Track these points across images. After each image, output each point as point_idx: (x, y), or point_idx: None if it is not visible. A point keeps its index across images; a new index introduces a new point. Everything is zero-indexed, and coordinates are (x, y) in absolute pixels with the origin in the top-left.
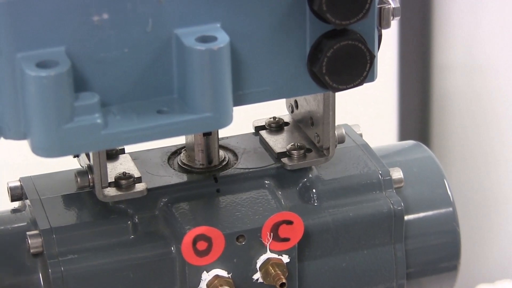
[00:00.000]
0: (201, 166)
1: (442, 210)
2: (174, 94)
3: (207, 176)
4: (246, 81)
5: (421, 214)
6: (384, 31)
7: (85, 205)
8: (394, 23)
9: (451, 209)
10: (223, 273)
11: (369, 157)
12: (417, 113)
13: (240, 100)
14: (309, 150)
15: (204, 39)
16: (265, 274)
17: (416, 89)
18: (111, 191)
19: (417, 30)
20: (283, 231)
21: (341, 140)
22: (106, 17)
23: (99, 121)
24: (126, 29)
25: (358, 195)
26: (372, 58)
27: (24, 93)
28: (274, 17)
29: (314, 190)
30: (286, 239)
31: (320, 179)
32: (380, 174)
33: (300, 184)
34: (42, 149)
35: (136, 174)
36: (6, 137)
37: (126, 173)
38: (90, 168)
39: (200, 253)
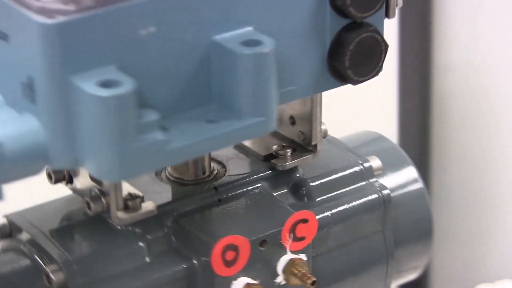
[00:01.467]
0: (195, 178)
1: (412, 188)
2: (213, 103)
3: (207, 187)
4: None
5: (395, 194)
6: (384, 31)
7: (94, 232)
8: (394, 23)
9: (421, 185)
10: (252, 281)
11: (343, 150)
12: (417, 113)
13: None
14: (294, 149)
15: (250, 43)
16: (290, 276)
17: (416, 89)
18: (122, 214)
19: (417, 30)
20: (300, 230)
21: (325, 135)
22: (152, 30)
23: (163, 137)
24: (170, 40)
25: (346, 187)
26: (386, 47)
27: (84, 117)
28: (299, 17)
29: (304, 188)
30: (302, 238)
31: (308, 177)
32: (361, 164)
33: (291, 184)
34: (111, 172)
35: (138, 193)
36: (54, 166)
37: (132, 193)
38: (101, 192)
39: (229, 263)
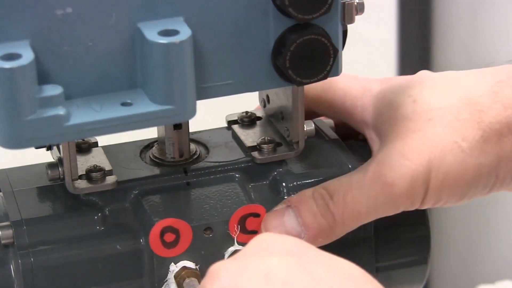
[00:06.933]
0: (172, 160)
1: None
2: (138, 88)
3: (178, 169)
4: (209, 74)
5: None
6: (384, 31)
7: (57, 197)
8: (394, 23)
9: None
10: (190, 264)
11: (339, 152)
12: None
13: (203, 93)
14: (279, 144)
15: (166, 33)
16: None
17: None
18: (81, 184)
19: (417, 30)
20: (251, 223)
21: (311, 134)
22: (69, 11)
23: (61, 113)
24: (89, 23)
25: None
26: (335, 52)
27: None
28: (237, 11)
29: (284, 184)
30: (253, 232)
31: (290, 173)
32: (350, 168)
33: (271, 178)
34: (5, 141)
35: (107, 167)
36: None
37: (97, 165)
38: (60, 160)
39: (168, 245)
